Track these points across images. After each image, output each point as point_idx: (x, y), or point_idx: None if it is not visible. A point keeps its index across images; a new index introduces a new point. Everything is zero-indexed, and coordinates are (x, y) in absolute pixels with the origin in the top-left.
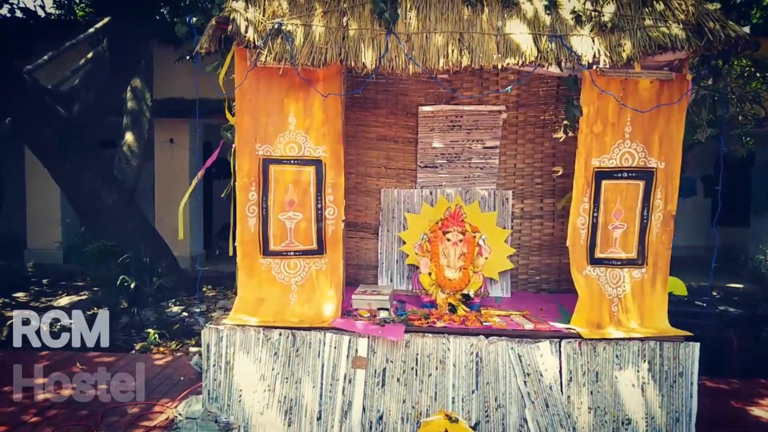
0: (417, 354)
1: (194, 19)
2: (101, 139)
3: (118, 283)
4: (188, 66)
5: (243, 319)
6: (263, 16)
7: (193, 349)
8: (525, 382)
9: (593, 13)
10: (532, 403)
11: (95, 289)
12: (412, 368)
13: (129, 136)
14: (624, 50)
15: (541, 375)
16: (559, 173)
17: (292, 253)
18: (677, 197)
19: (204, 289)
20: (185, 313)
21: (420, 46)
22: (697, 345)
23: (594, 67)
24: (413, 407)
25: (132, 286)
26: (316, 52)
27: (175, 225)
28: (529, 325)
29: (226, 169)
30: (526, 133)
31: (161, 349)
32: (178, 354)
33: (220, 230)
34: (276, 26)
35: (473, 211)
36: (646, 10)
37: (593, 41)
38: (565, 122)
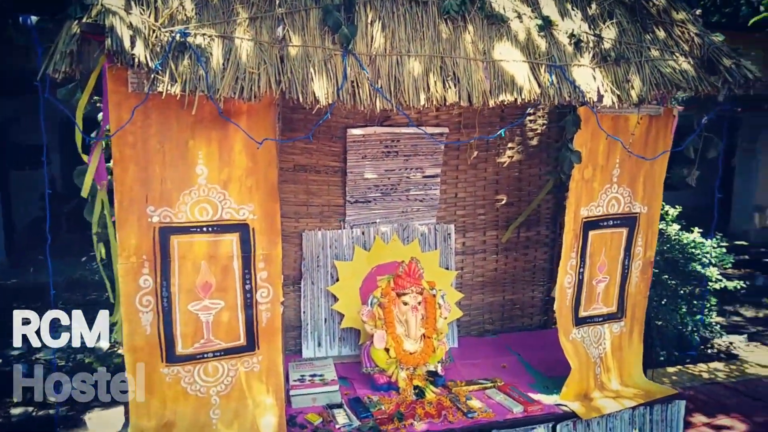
0: None
1: (34, 18)
2: None
3: None
4: None
5: None
6: (155, 20)
7: None
8: None
9: (592, 38)
10: None
11: None
12: None
13: None
14: (633, 87)
15: None
16: (503, 202)
17: (210, 355)
18: (656, 243)
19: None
20: None
21: (390, 74)
22: (683, 402)
23: (597, 105)
24: None
25: None
26: (245, 79)
27: None
28: (517, 408)
29: (31, 156)
30: (468, 157)
31: None
32: None
33: (25, 227)
34: (178, 37)
35: (413, 251)
36: (648, 37)
37: (595, 73)
38: (552, 169)
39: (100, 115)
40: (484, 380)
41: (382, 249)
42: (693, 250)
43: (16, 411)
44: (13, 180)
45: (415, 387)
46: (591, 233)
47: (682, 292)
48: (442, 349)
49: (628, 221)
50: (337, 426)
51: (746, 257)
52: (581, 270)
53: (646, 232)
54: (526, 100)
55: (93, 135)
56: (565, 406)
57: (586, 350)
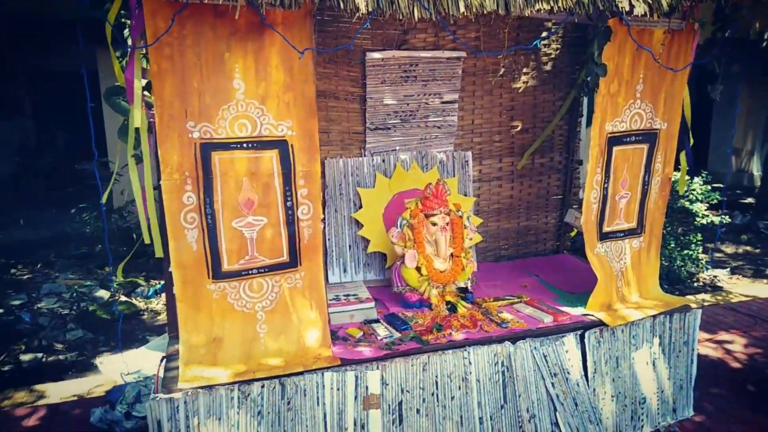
0: (436, 376)
1: None
2: None
3: None
4: None
5: (203, 376)
6: None
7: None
8: (553, 383)
9: None
10: (562, 405)
11: None
12: (433, 394)
13: None
14: None
15: (568, 372)
16: (518, 129)
17: (254, 271)
18: (674, 159)
19: (13, 270)
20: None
21: None
22: (699, 311)
23: (627, 16)
24: None
25: None
26: None
27: None
28: (547, 318)
29: (3, 106)
30: (485, 83)
31: None
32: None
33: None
34: None
35: (432, 178)
36: None
37: None
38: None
39: (126, 32)
40: (511, 296)
41: (403, 176)
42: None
43: (26, 357)
44: None
45: (447, 303)
46: (615, 149)
47: (670, 228)
48: (471, 267)
49: (649, 137)
50: (378, 338)
51: (724, 199)
52: (606, 185)
53: (665, 149)
54: (563, 9)
55: (119, 53)
56: (592, 315)
57: (609, 263)
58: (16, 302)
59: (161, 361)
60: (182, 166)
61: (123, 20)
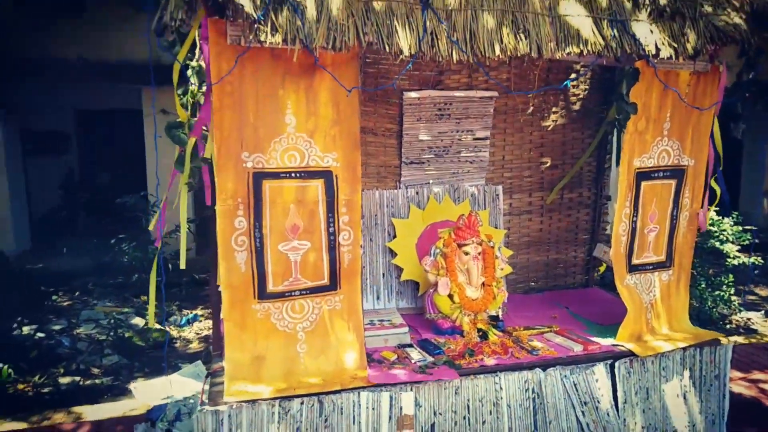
0: (468, 400)
1: None
2: None
3: None
4: None
5: (248, 391)
6: None
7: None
8: (583, 412)
9: None
10: None
11: None
12: (464, 417)
13: None
14: (688, 41)
15: (598, 402)
16: (547, 165)
17: (297, 293)
18: (702, 195)
19: (54, 297)
20: (41, 334)
21: (465, 27)
22: (731, 346)
23: (654, 59)
24: None
25: None
26: (336, 30)
27: None
28: (577, 347)
29: (45, 142)
30: (515, 121)
31: (21, 386)
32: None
33: (45, 215)
34: None
35: (464, 211)
36: None
37: (652, 27)
38: (608, 119)
39: (189, 71)
40: (541, 326)
41: (436, 208)
42: (711, 227)
43: (64, 380)
44: (28, 167)
45: (479, 330)
46: (643, 184)
47: (700, 269)
48: (502, 296)
49: (677, 173)
50: (412, 361)
51: (756, 241)
52: (634, 219)
53: (692, 185)
54: (592, 52)
55: (180, 91)
56: (622, 346)
57: (639, 295)
58: (57, 327)
59: (206, 377)
60: (236, 193)
61: (187, 62)
